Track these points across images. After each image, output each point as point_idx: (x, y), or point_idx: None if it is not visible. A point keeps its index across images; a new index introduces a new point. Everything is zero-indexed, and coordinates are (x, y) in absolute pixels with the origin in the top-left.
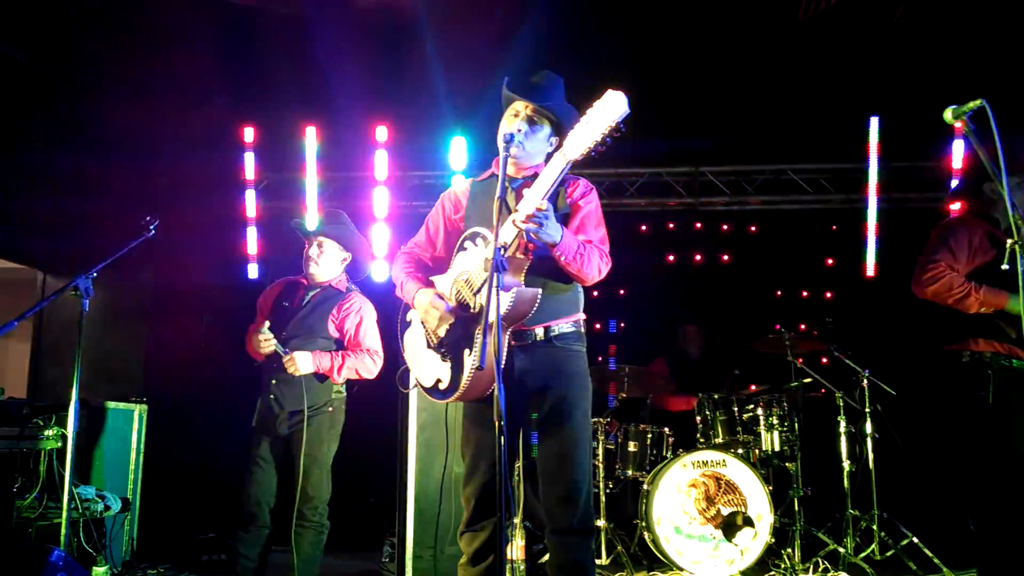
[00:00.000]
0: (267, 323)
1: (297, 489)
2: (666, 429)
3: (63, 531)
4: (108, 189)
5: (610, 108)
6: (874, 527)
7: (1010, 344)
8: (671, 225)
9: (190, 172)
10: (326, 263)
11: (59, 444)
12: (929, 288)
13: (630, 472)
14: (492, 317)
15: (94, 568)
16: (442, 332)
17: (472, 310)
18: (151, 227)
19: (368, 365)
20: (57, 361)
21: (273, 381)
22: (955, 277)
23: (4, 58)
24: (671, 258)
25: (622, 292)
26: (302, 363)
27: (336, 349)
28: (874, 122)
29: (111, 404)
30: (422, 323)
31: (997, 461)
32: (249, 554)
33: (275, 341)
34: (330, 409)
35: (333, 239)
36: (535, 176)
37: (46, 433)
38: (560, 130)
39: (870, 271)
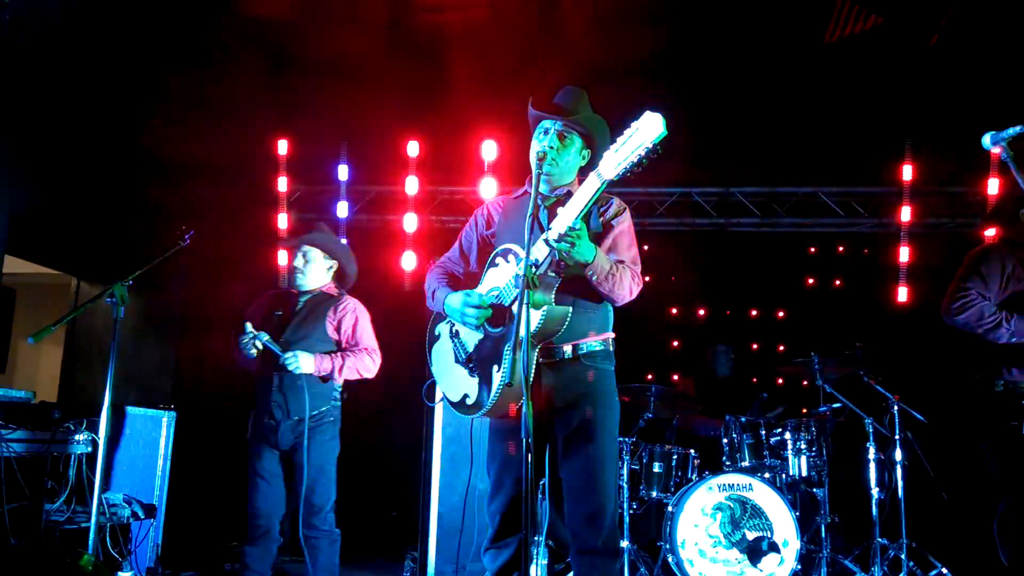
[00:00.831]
0: (248, 323)
1: (303, 500)
2: (692, 450)
3: (91, 535)
4: (144, 199)
5: (647, 129)
6: (902, 556)
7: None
8: (700, 245)
9: (225, 185)
10: (312, 272)
11: (89, 449)
12: (959, 317)
13: (654, 493)
14: (522, 333)
15: (119, 574)
16: (471, 347)
17: (504, 324)
18: (186, 237)
19: (368, 364)
20: (88, 367)
21: (274, 389)
22: (986, 306)
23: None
24: (700, 278)
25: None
26: (304, 360)
27: (335, 351)
28: (908, 147)
29: (140, 410)
30: (452, 336)
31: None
32: (260, 568)
33: (267, 337)
34: (331, 418)
35: (318, 247)
36: (568, 194)
37: (77, 437)
38: (591, 142)
39: (902, 297)
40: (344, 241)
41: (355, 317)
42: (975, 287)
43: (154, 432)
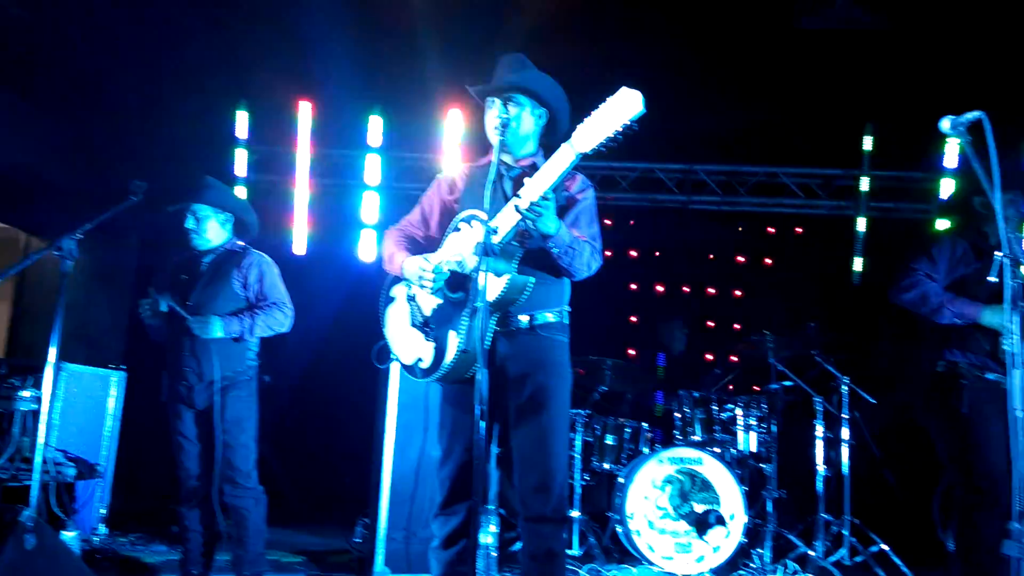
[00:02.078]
0: (165, 295)
1: (220, 462)
2: (644, 424)
3: (33, 493)
4: (95, 153)
5: (625, 105)
6: (845, 532)
7: (984, 356)
8: (661, 222)
9: (181, 141)
10: (208, 230)
11: (35, 406)
12: (904, 296)
13: (606, 465)
14: (480, 301)
15: (62, 533)
16: (428, 311)
17: (462, 292)
18: (139, 192)
19: (279, 318)
20: (37, 323)
21: (186, 353)
22: (931, 287)
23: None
24: (658, 254)
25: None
26: (211, 325)
27: (244, 309)
28: (869, 130)
29: (89, 369)
30: (409, 299)
31: (970, 472)
32: (197, 527)
33: (169, 300)
34: (247, 377)
35: (206, 204)
36: (533, 165)
37: (22, 394)
38: (542, 101)
39: (856, 279)
40: (238, 191)
41: (261, 271)
42: (922, 268)
43: (103, 391)
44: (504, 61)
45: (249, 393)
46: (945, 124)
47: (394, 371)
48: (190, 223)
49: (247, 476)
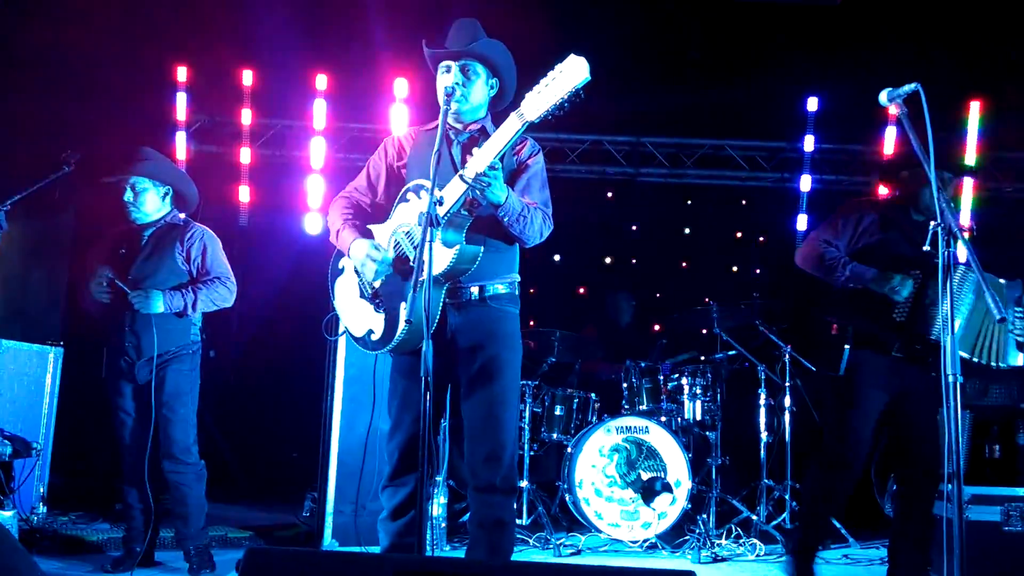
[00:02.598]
0: (105, 269)
1: (161, 436)
2: (592, 394)
3: None
4: (28, 123)
5: (571, 72)
6: (786, 497)
7: (870, 321)
8: (609, 194)
9: (118, 110)
10: (147, 203)
11: None
12: (800, 256)
13: (555, 435)
14: (425, 273)
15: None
16: (378, 284)
17: (411, 263)
18: (71, 161)
19: (223, 293)
20: None
21: (126, 328)
22: (827, 250)
23: None
24: (606, 226)
25: (557, 258)
26: (153, 300)
27: (186, 283)
28: (812, 102)
29: (25, 345)
30: (356, 272)
31: (837, 438)
32: (139, 504)
33: (116, 281)
34: (189, 351)
35: (144, 176)
36: (482, 131)
37: None
38: (495, 70)
39: (801, 225)
40: (177, 163)
41: (203, 244)
42: (823, 235)
43: (40, 368)
44: (458, 25)
45: (192, 367)
46: (883, 96)
47: (341, 344)
48: (128, 196)
49: (187, 451)
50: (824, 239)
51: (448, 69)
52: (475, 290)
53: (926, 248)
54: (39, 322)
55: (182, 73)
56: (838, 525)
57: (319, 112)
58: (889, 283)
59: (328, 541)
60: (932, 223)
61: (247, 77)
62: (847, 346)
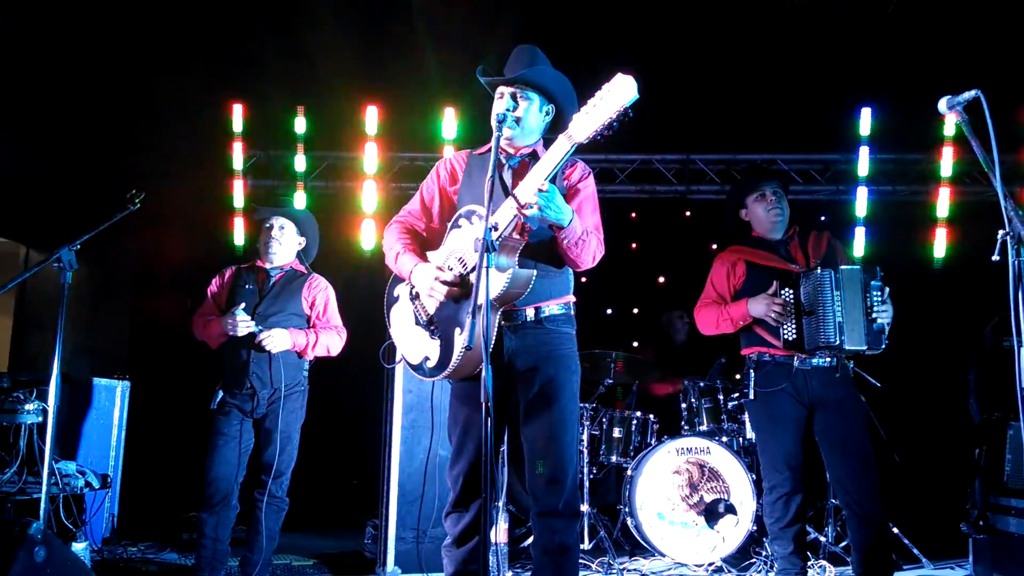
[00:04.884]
0: (242, 304)
1: (271, 468)
2: (651, 415)
3: (42, 506)
4: (94, 164)
5: (620, 92)
6: None
7: (765, 344)
8: (660, 213)
9: (177, 147)
10: (286, 244)
11: (40, 418)
12: (701, 325)
13: (614, 458)
14: (482, 298)
15: (72, 544)
16: (432, 309)
17: (465, 289)
18: (136, 200)
19: (336, 341)
20: (39, 336)
21: (250, 360)
22: (712, 307)
23: None
24: (658, 245)
25: (607, 279)
26: (280, 339)
27: (307, 327)
28: (866, 113)
29: (94, 379)
30: (412, 298)
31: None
32: (217, 535)
33: (252, 321)
34: (301, 388)
35: (291, 220)
36: (533, 155)
37: (27, 407)
38: (551, 98)
39: (859, 249)
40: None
41: (327, 296)
42: (707, 297)
43: (108, 401)
44: (516, 52)
45: (300, 405)
46: (943, 104)
47: (399, 371)
48: (275, 232)
49: (281, 483)
50: (711, 300)
51: (502, 95)
52: (531, 312)
53: (995, 258)
54: (106, 356)
55: (238, 111)
56: (909, 544)
57: (370, 145)
58: (764, 306)
59: (391, 568)
60: (1000, 232)
61: (299, 114)
62: (751, 370)
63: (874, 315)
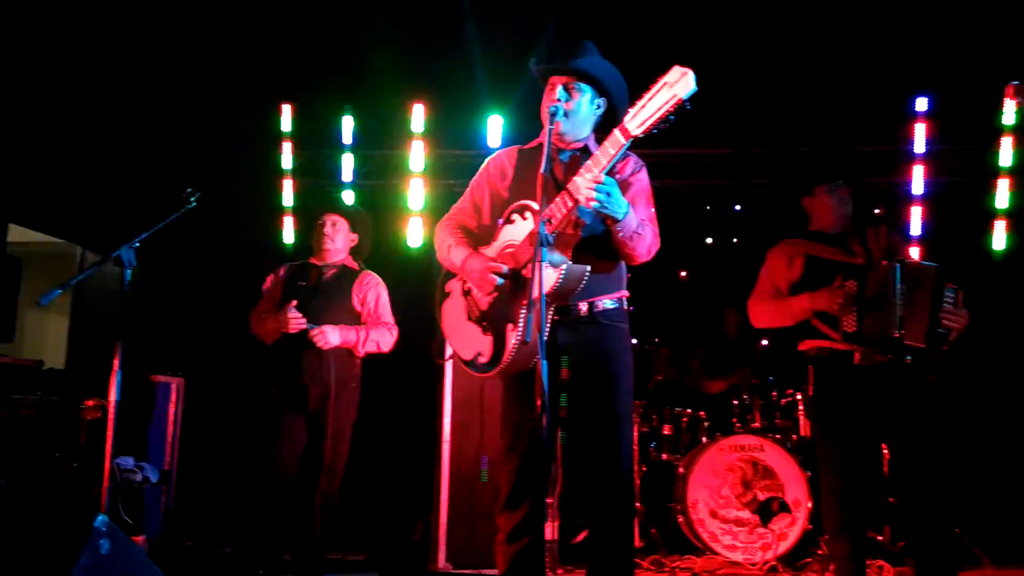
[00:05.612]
0: (294, 302)
1: (324, 464)
2: (701, 413)
3: (103, 500)
4: (148, 163)
5: (677, 85)
6: None
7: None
8: (710, 206)
9: (228, 148)
10: (339, 241)
11: (99, 415)
12: (754, 319)
13: (664, 455)
14: (536, 292)
15: (132, 538)
16: (485, 305)
17: (518, 284)
18: (192, 199)
19: (387, 338)
20: (95, 334)
21: (302, 356)
22: (769, 301)
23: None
24: (710, 240)
25: (658, 273)
26: (332, 336)
27: (358, 324)
28: (921, 102)
29: (150, 377)
30: (465, 294)
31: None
32: (271, 530)
33: (304, 318)
34: (353, 385)
35: (343, 217)
36: (584, 150)
37: (87, 404)
38: (603, 90)
39: (914, 256)
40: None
41: (378, 293)
42: (762, 290)
43: (164, 398)
44: (571, 42)
45: (353, 402)
46: (1010, 90)
47: (449, 368)
48: (328, 229)
49: (334, 481)
50: (765, 295)
51: (553, 87)
52: (584, 307)
53: None
54: (162, 354)
55: (286, 112)
56: (972, 545)
57: (416, 142)
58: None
59: (442, 564)
60: None
61: (348, 112)
62: (810, 366)
63: (942, 317)
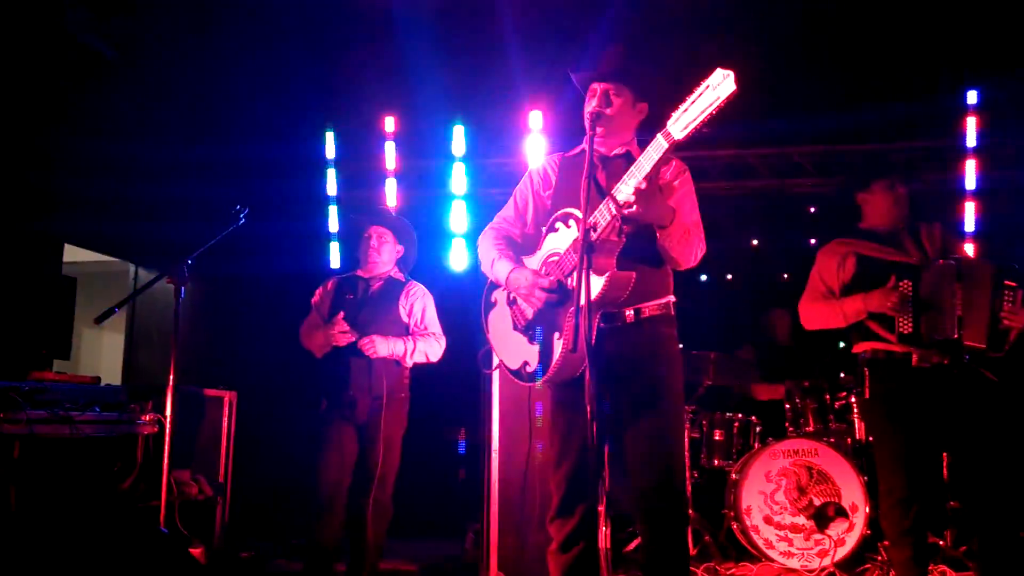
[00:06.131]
0: (341, 314)
1: (375, 474)
2: (753, 417)
3: (162, 513)
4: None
5: (719, 88)
6: None
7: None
8: (756, 208)
9: (273, 162)
10: (386, 253)
11: (156, 429)
12: (805, 320)
13: (716, 462)
14: (583, 300)
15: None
16: (531, 314)
17: (563, 293)
18: (242, 215)
19: (435, 348)
20: (150, 350)
21: (352, 369)
22: (824, 304)
23: (95, 54)
24: (755, 242)
25: (704, 277)
26: (380, 346)
27: (405, 335)
28: (971, 95)
29: (203, 391)
30: (510, 303)
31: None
32: (324, 541)
33: (351, 330)
34: (403, 395)
35: (388, 229)
36: (627, 155)
37: (143, 419)
38: (644, 95)
39: (969, 254)
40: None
41: (424, 303)
42: (813, 291)
43: (217, 412)
44: (611, 48)
45: (402, 412)
46: None
47: (496, 377)
48: (374, 241)
49: (385, 491)
50: (817, 295)
51: (594, 93)
52: (630, 313)
53: None
54: (211, 368)
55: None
56: None
57: (458, 146)
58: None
59: (494, 573)
60: None
61: (389, 123)
62: (865, 369)
63: (1001, 315)
